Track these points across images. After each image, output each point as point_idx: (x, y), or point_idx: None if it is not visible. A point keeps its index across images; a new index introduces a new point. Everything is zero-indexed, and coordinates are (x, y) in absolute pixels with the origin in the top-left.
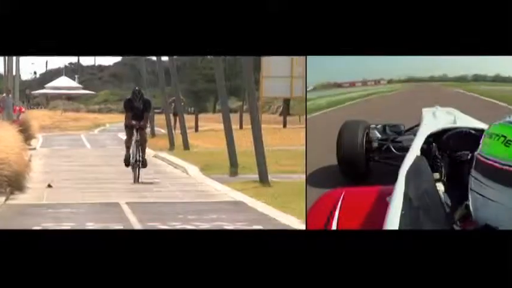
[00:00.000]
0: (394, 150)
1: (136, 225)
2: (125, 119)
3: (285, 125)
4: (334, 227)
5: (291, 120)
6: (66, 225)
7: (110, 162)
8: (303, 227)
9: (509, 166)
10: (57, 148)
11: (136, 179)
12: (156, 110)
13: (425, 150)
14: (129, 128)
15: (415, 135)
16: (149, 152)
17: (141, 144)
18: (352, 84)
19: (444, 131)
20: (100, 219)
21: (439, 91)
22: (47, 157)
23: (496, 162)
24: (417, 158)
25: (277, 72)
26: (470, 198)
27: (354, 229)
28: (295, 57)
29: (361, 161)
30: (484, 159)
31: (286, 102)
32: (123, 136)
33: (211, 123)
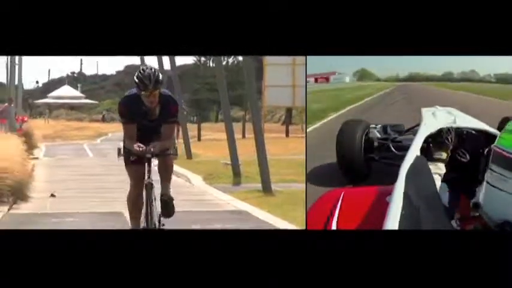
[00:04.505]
0: (394, 150)
1: None
2: (124, 140)
3: (287, 134)
4: (334, 227)
5: (293, 129)
6: None
7: (112, 171)
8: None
9: None
10: (60, 157)
11: None
12: None
13: (425, 150)
14: (134, 164)
15: (415, 135)
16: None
17: (165, 177)
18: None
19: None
20: (104, 228)
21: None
22: (49, 166)
23: None
24: (417, 158)
25: (280, 81)
26: (483, 192)
27: (353, 229)
28: (296, 66)
29: (361, 160)
30: (505, 153)
31: (289, 111)
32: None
33: (213, 133)
